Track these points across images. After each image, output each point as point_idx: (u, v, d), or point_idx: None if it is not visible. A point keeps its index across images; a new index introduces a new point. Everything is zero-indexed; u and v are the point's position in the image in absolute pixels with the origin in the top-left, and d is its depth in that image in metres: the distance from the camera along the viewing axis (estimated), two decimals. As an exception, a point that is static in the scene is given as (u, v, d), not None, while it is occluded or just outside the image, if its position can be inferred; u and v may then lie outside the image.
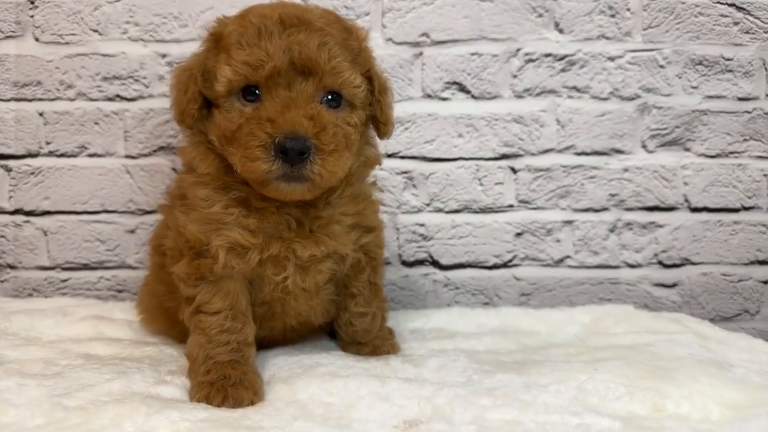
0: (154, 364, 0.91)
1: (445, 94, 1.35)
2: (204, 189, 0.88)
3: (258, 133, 0.78)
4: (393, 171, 1.35)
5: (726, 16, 1.36)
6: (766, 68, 1.37)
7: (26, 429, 0.66)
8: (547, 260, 1.37)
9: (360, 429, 0.69)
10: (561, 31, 1.35)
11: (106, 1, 1.32)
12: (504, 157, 1.36)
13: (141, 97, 1.33)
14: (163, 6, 1.32)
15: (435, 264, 1.37)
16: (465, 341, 1.05)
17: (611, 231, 1.37)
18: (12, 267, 1.35)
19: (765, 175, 1.38)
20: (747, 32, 1.36)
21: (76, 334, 1.04)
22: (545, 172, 1.36)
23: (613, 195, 1.37)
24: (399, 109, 1.29)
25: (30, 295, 1.34)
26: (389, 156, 1.35)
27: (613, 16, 1.35)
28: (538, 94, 1.36)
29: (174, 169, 1.33)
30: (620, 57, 1.35)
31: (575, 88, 1.36)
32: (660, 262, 1.38)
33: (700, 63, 1.36)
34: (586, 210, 1.37)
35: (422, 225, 1.37)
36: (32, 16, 1.32)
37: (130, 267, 1.35)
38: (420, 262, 1.37)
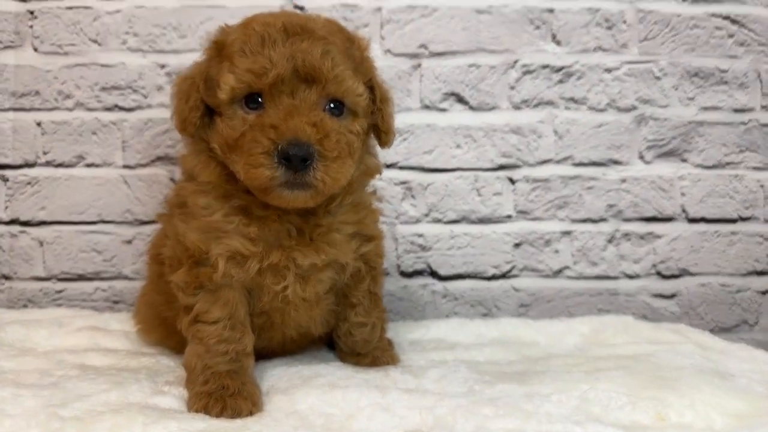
0: (151, 374, 0.89)
1: (443, 105, 1.36)
2: (205, 197, 0.87)
3: (261, 139, 0.78)
4: (391, 181, 1.35)
5: (720, 28, 1.38)
6: (760, 80, 1.38)
7: (21, 440, 0.65)
8: (545, 271, 1.37)
9: (361, 439, 0.68)
10: (558, 43, 1.36)
11: (105, 12, 1.32)
12: (502, 167, 1.36)
13: (139, 108, 1.33)
14: (163, 17, 1.32)
15: (434, 275, 1.37)
16: (465, 352, 1.04)
17: (609, 242, 1.38)
18: (7, 278, 1.33)
19: (761, 186, 1.39)
20: (741, 45, 1.38)
21: (72, 345, 1.03)
22: (543, 182, 1.37)
23: (611, 205, 1.37)
24: (398, 120, 1.29)
25: (25, 306, 1.33)
26: (388, 166, 1.35)
27: (609, 28, 1.36)
28: (536, 106, 1.36)
29: (172, 180, 1.33)
30: (617, 68, 1.36)
31: (572, 100, 1.36)
32: (658, 273, 1.38)
33: (696, 75, 1.37)
34: (585, 221, 1.37)
35: (421, 235, 1.36)
36: (31, 27, 1.32)
37: (126, 278, 1.34)
38: (419, 273, 1.37)
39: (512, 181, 1.37)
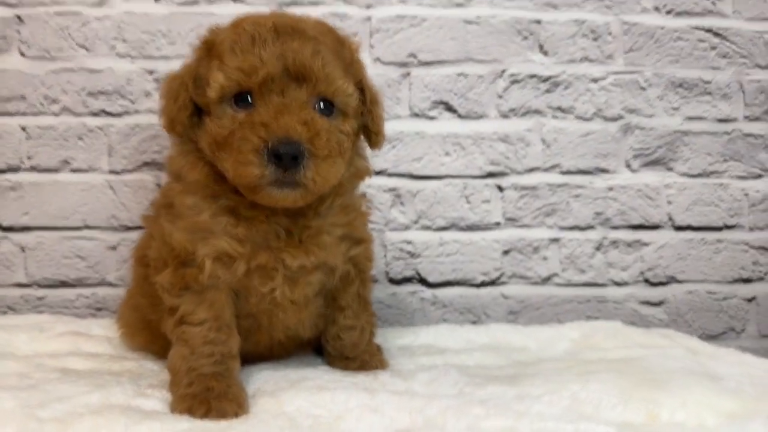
0: (134, 378, 0.87)
1: (432, 113, 1.36)
2: (192, 197, 0.86)
3: (251, 137, 0.77)
4: (380, 188, 1.35)
5: (703, 41, 1.40)
6: (743, 91, 1.41)
7: (-3, 441, 0.63)
8: (534, 278, 1.37)
9: (350, 440, 0.66)
10: (545, 53, 1.38)
11: (94, 18, 1.32)
12: (490, 175, 1.37)
13: (127, 113, 1.32)
14: (152, 23, 1.32)
15: (422, 282, 1.36)
16: (455, 357, 1.03)
17: (597, 249, 1.38)
18: (-13, 284, 1.30)
19: (746, 195, 1.41)
20: (724, 56, 1.40)
21: (53, 350, 1.00)
22: (531, 190, 1.37)
23: (598, 213, 1.38)
24: (387, 128, 1.28)
25: (5, 312, 1.30)
26: (377, 173, 1.35)
27: (595, 39, 1.38)
28: (524, 114, 1.38)
29: (158, 185, 1.31)
30: (603, 78, 1.38)
31: (560, 109, 1.38)
32: (646, 280, 1.39)
33: (680, 85, 1.40)
34: (572, 228, 1.38)
35: (410, 242, 1.36)
36: (19, 31, 1.31)
37: (110, 284, 1.31)
38: (407, 280, 1.36)
39: (501, 188, 1.37)
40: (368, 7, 1.35)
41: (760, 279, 1.41)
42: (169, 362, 0.84)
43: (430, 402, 0.75)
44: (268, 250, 0.86)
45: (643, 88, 1.39)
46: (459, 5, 1.36)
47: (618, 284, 1.38)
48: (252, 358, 0.95)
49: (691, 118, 1.40)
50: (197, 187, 0.87)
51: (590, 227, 1.38)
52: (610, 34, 1.39)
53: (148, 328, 0.98)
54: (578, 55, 1.38)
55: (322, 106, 0.83)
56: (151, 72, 1.32)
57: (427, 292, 1.36)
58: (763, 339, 1.40)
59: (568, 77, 1.38)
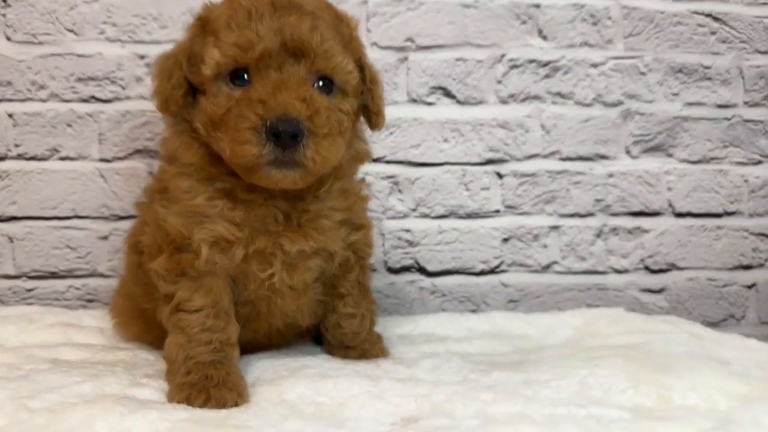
0: (128, 367, 0.84)
1: (430, 99, 1.34)
2: (187, 180, 0.83)
3: (248, 115, 0.74)
4: (378, 176, 1.33)
5: (703, 26, 1.39)
6: (742, 76, 1.40)
7: (-14, 432, 0.60)
8: (534, 266, 1.35)
9: (355, 427, 0.64)
10: (545, 37, 1.36)
11: (82, 1, 1.28)
12: (490, 162, 1.35)
13: (117, 99, 1.28)
14: (143, 7, 1.29)
15: (421, 270, 1.34)
16: (456, 344, 1.01)
17: (598, 236, 1.37)
18: (-27, 276, 1.27)
19: (745, 181, 1.40)
20: (724, 42, 1.39)
21: (43, 341, 0.97)
22: (531, 177, 1.35)
23: (598, 200, 1.37)
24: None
25: (-8, 305, 1.26)
26: (374, 160, 1.32)
27: (595, 24, 1.36)
28: (523, 100, 1.35)
29: (150, 173, 1.28)
30: (603, 64, 1.37)
31: (559, 94, 1.36)
32: (647, 268, 1.37)
33: (680, 71, 1.38)
34: (573, 215, 1.36)
35: (408, 231, 1.34)
36: (4, 15, 1.27)
37: (101, 275, 1.28)
38: (406, 269, 1.34)
39: (500, 175, 1.35)
40: (365, -10, 1.32)
41: (760, 265, 1.40)
42: (166, 351, 0.81)
43: (435, 388, 0.73)
44: (266, 235, 0.83)
45: (643, 74, 1.37)
46: (457, -12, 1.34)
47: (618, 272, 1.37)
48: (250, 347, 0.93)
49: (691, 104, 1.39)
50: (192, 170, 0.84)
51: (590, 214, 1.37)
52: (609, 18, 1.37)
53: (143, 318, 0.95)
54: (578, 39, 1.36)
55: (320, 85, 0.80)
56: (142, 57, 1.29)
57: (426, 281, 1.34)
58: (763, 326, 1.40)
59: (568, 62, 1.36)
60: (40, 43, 1.27)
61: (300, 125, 0.74)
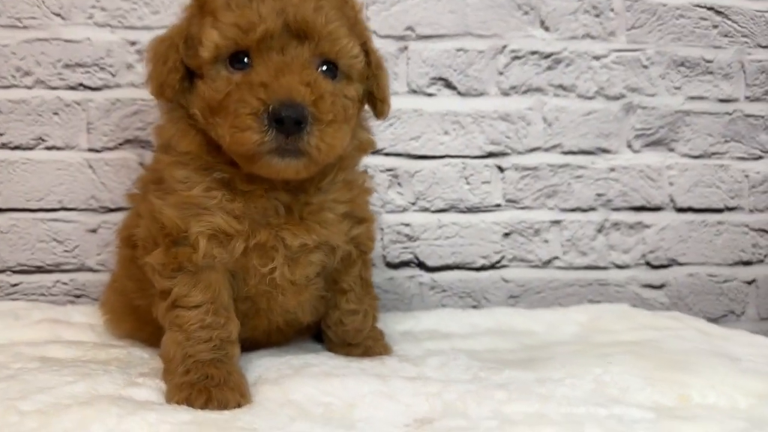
0: (122, 366, 0.80)
1: (430, 90, 1.31)
2: (183, 169, 0.79)
3: (249, 99, 0.70)
4: (377, 168, 1.29)
5: (705, 19, 1.37)
6: (744, 71, 1.39)
7: (-27, 437, 0.56)
8: (535, 261, 1.33)
9: (367, 429, 0.61)
10: (547, 29, 1.33)
11: (70, -16, 1.23)
12: (491, 155, 1.32)
13: (107, 87, 1.23)
14: (133, -9, 1.24)
15: (421, 266, 1.31)
16: (462, 341, 0.99)
17: (599, 231, 1.35)
18: (-46, 271, 1.21)
19: (746, 176, 1.39)
20: (725, 35, 1.38)
21: (31, 338, 0.92)
22: (532, 171, 1.33)
23: (600, 195, 1.35)
24: (384, 103, 1.24)
25: (-25, 301, 1.21)
26: (373, 153, 1.28)
27: (597, 15, 1.34)
28: (525, 92, 1.33)
29: (141, 164, 1.23)
30: (605, 56, 1.34)
31: (561, 87, 1.34)
32: (648, 263, 1.36)
33: (682, 64, 1.37)
34: (574, 210, 1.34)
35: (407, 225, 1.30)
36: (-13, -3, 1.21)
37: (90, 270, 1.23)
38: (405, 264, 1.31)
39: (501, 169, 1.32)
40: (364, -23, 1.28)
41: (760, 261, 1.39)
42: (163, 349, 0.77)
43: (446, 387, 0.70)
44: (267, 228, 0.80)
45: (645, 67, 1.36)
46: (458, -23, 1.30)
47: (619, 267, 1.35)
48: (248, 344, 0.88)
49: (692, 98, 1.37)
50: (189, 159, 0.80)
51: (592, 209, 1.35)
52: (612, 10, 1.35)
53: (136, 314, 0.91)
54: (580, 31, 1.34)
55: (324, 69, 0.76)
56: (132, 43, 1.24)
57: (426, 276, 1.31)
58: (763, 321, 1.39)
59: (570, 54, 1.34)
60: (25, 27, 1.22)
61: (304, 111, 0.70)
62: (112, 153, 1.24)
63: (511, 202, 1.33)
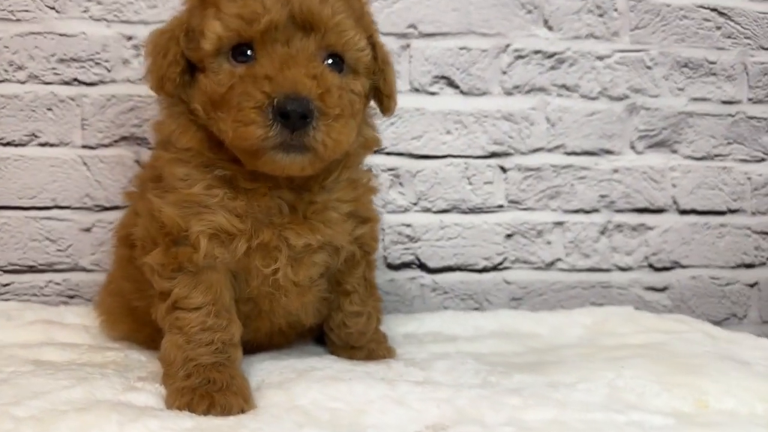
0: (120, 369, 0.78)
1: (433, 89, 1.29)
2: (183, 167, 0.76)
3: (253, 92, 0.67)
4: (379, 168, 1.27)
5: (708, 20, 1.37)
6: (747, 73, 1.38)
7: (-35, 445, 0.53)
8: (537, 263, 1.32)
9: (377, 435, 0.59)
10: (550, 28, 1.32)
11: (64, -24, 1.20)
12: (494, 155, 1.30)
13: (102, 82, 1.20)
14: (130, -16, 1.21)
15: (422, 267, 1.29)
16: (467, 344, 0.97)
17: (602, 233, 1.33)
18: (-57, 270, 1.18)
19: (749, 179, 1.38)
20: (729, 37, 1.37)
21: (24, 340, 0.89)
22: (535, 171, 1.32)
23: (603, 196, 1.33)
24: (387, 102, 1.22)
25: (-36, 301, 1.17)
26: (374, 152, 1.26)
27: (601, 15, 1.33)
28: (528, 92, 1.31)
29: (137, 162, 1.20)
30: (609, 56, 1.33)
31: (565, 87, 1.32)
32: (650, 265, 1.35)
33: (686, 65, 1.36)
34: (577, 211, 1.33)
35: (409, 225, 1.28)
36: (-22, -11, 1.18)
37: (84, 270, 1.20)
38: (406, 265, 1.29)
39: (504, 169, 1.31)
40: (366, -27, 1.26)
41: (762, 264, 1.39)
42: (162, 352, 0.74)
43: (457, 392, 0.68)
44: (270, 227, 0.77)
45: (648, 67, 1.34)
46: (462, -26, 1.29)
47: (622, 269, 1.34)
48: (249, 347, 0.86)
49: (695, 99, 1.36)
50: (189, 155, 0.77)
51: (595, 210, 1.33)
52: (615, 10, 1.34)
53: (132, 316, 0.89)
54: (584, 31, 1.33)
55: (330, 62, 0.74)
56: (129, 38, 1.21)
57: (427, 278, 1.29)
58: (765, 324, 1.39)
59: (574, 54, 1.32)
60: (19, 20, 1.19)
61: (310, 105, 0.67)
62: (107, 150, 1.21)
63: (514, 203, 1.31)
